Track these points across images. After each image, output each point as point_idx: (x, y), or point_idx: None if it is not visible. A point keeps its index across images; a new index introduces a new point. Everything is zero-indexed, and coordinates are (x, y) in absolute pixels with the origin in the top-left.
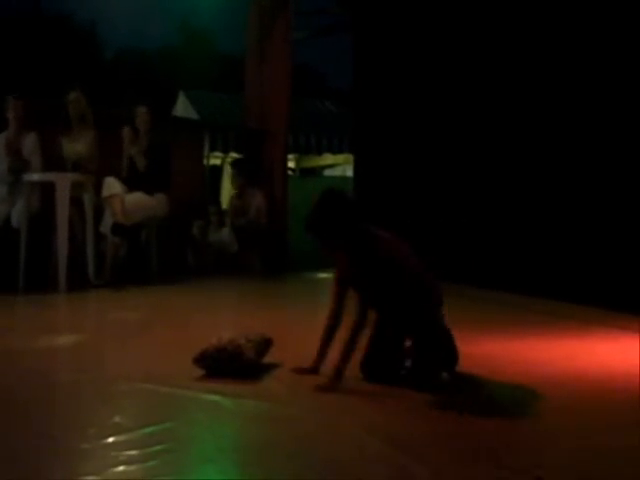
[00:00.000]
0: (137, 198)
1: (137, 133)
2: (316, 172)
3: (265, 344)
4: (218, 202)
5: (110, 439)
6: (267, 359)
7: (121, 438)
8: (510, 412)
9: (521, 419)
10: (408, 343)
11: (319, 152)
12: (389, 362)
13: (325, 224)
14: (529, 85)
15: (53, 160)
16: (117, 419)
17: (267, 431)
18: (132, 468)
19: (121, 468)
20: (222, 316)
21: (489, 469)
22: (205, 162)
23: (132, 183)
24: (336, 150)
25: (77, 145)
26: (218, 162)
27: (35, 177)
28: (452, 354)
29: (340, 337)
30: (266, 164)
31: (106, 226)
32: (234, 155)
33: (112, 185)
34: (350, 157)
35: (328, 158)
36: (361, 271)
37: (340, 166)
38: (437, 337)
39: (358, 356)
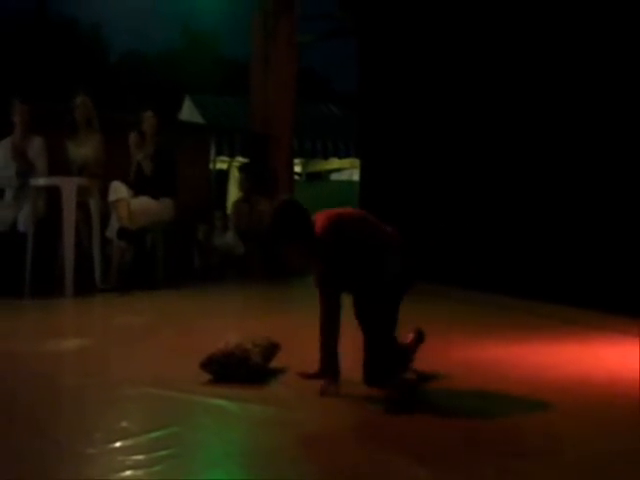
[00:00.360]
0: (143, 202)
1: (144, 138)
2: (322, 176)
3: (272, 349)
4: (224, 206)
5: (116, 444)
6: (274, 363)
7: (127, 443)
8: (513, 416)
9: (524, 423)
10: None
11: (325, 156)
12: (384, 367)
13: (291, 230)
14: (530, 92)
15: (59, 164)
16: (123, 423)
17: (274, 436)
18: (138, 473)
19: (127, 473)
20: (228, 320)
21: (492, 472)
22: (211, 166)
23: (139, 187)
24: (342, 154)
25: (83, 149)
26: (224, 166)
27: (41, 181)
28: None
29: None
30: (272, 168)
31: (112, 231)
32: (240, 159)
33: (118, 189)
34: (356, 161)
35: (334, 162)
36: (330, 261)
37: (347, 170)
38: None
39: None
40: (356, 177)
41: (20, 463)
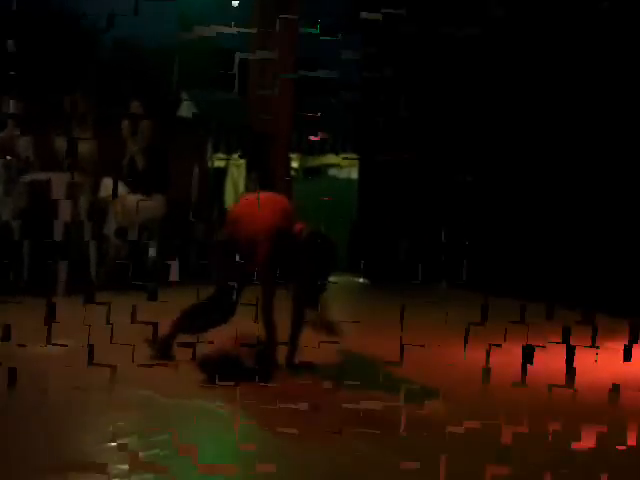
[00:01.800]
0: (137, 200)
1: (136, 124)
2: (319, 172)
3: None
4: (222, 203)
5: (112, 444)
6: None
7: (122, 444)
8: (526, 413)
9: (538, 419)
10: None
11: (322, 152)
12: None
13: None
14: (533, 92)
15: (50, 160)
16: (118, 425)
17: (270, 438)
18: (134, 473)
19: (122, 474)
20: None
21: (504, 468)
22: (209, 164)
23: (132, 184)
24: (340, 150)
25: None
26: (222, 164)
27: (32, 177)
28: None
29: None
30: (269, 164)
31: (109, 228)
32: (238, 156)
33: (110, 186)
34: (353, 157)
35: (331, 158)
36: None
37: (345, 168)
38: None
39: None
40: (354, 175)
41: (14, 465)
